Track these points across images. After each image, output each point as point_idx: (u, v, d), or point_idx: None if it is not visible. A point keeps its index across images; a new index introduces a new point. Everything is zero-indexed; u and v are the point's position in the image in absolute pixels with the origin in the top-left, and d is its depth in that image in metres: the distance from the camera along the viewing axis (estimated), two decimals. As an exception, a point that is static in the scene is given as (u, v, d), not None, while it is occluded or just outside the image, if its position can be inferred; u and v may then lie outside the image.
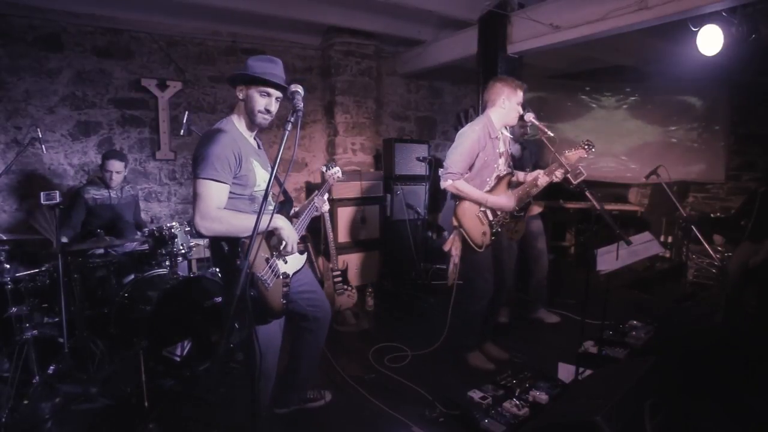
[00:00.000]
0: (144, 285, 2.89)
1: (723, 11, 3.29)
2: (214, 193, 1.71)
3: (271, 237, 1.83)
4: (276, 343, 2.06)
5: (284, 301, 1.86)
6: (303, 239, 4.63)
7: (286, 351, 2.26)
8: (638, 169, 5.68)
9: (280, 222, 1.81)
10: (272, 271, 1.82)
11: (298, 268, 2.03)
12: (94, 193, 3.22)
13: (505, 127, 2.78)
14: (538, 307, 3.68)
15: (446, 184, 2.63)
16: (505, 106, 2.63)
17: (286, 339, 2.20)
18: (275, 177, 2.01)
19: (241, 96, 1.86)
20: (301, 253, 2.01)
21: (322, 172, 2.52)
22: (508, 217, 2.77)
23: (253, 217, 1.76)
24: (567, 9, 3.54)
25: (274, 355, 2.05)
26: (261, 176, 1.90)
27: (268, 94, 1.84)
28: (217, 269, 2.11)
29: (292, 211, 2.15)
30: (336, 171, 2.51)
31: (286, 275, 1.90)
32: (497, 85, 2.65)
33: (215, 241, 1.83)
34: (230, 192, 1.79)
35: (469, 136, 2.59)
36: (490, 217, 2.68)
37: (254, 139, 1.97)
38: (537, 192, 2.83)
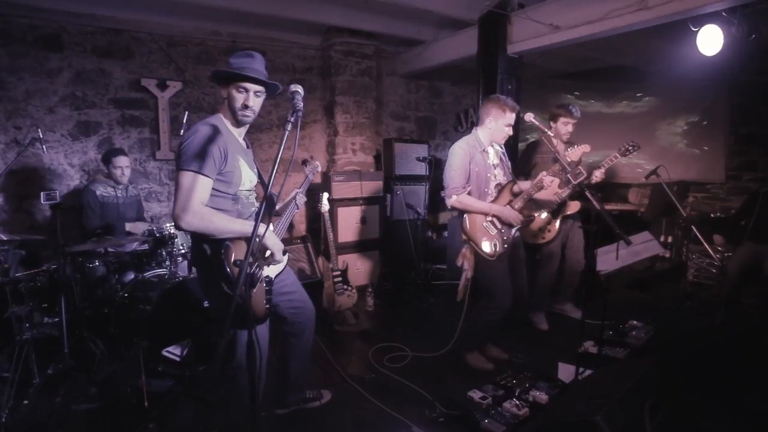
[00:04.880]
0: (144, 285, 2.89)
1: (723, 11, 3.29)
2: (197, 186, 1.67)
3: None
4: (263, 345, 2.03)
5: (267, 306, 1.82)
6: (303, 239, 4.65)
7: (275, 354, 2.26)
8: (638, 169, 5.69)
9: (260, 230, 1.72)
10: (255, 274, 1.77)
11: (280, 269, 1.99)
12: (102, 191, 3.25)
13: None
14: (564, 300, 3.67)
15: (451, 200, 2.66)
16: (491, 126, 2.66)
17: (274, 342, 2.19)
18: (259, 176, 2.01)
19: (224, 95, 1.84)
20: (282, 253, 1.96)
21: (304, 169, 2.53)
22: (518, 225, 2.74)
23: (233, 220, 1.76)
24: (567, 9, 3.54)
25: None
26: (247, 176, 1.87)
27: (246, 90, 1.80)
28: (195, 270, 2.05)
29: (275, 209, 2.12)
30: (316, 166, 2.51)
31: (268, 278, 1.86)
32: (487, 105, 2.68)
33: (197, 243, 1.80)
34: (214, 189, 1.75)
35: (456, 152, 2.67)
36: (498, 226, 2.67)
37: (243, 139, 1.95)
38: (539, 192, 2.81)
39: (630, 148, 3.05)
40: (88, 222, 3.20)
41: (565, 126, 3.30)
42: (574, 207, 3.29)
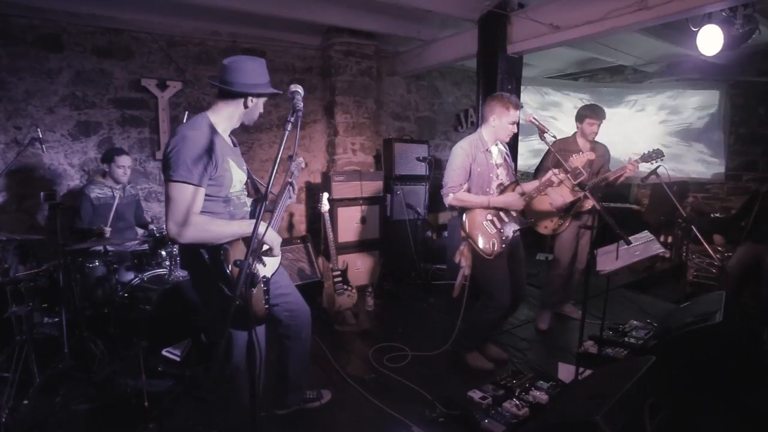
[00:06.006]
0: (144, 285, 2.90)
1: (723, 11, 3.30)
2: (190, 196, 1.62)
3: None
4: (261, 345, 2.01)
5: (267, 306, 1.80)
6: (303, 239, 4.65)
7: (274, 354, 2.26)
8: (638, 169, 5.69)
9: (262, 228, 1.75)
10: (254, 275, 1.75)
11: (275, 269, 1.97)
12: (98, 192, 3.23)
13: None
14: (565, 301, 3.68)
15: (448, 199, 2.66)
16: (495, 124, 2.65)
17: (273, 343, 2.19)
18: (249, 175, 2.00)
19: (250, 104, 1.81)
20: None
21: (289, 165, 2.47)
22: (518, 224, 2.73)
23: (229, 223, 1.74)
24: (567, 9, 3.54)
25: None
26: (237, 177, 1.84)
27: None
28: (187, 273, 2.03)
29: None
30: (300, 162, 2.43)
31: (265, 278, 1.85)
32: (490, 104, 2.66)
33: (192, 249, 1.74)
34: (205, 194, 1.71)
35: (458, 153, 2.66)
36: (498, 225, 2.67)
37: (229, 136, 1.92)
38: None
39: (653, 155, 3.05)
40: (74, 224, 3.18)
41: (590, 126, 3.29)
42: (588, 204, 3.29)
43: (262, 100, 1.87)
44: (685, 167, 5.83)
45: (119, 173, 3.26)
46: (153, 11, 3.93)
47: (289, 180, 2.15)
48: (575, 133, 3.40)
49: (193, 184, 1.63)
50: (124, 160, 3.27)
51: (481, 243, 2.62)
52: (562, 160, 2.68)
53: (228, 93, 1.79)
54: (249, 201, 1.98)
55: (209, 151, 1.68)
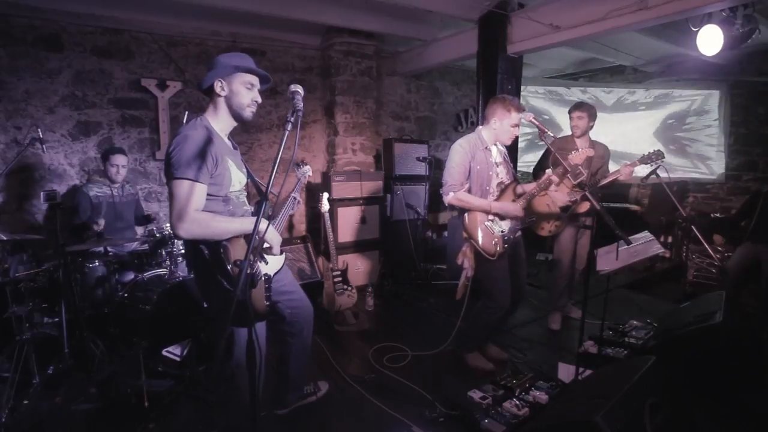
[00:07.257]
0: (144, 285, 2.89)
1: (723, 11, 3.30)
2: (193, 193, 1.65)
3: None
4: (261, 344, 2.03)
5: (267, 303, 1.83)
6: (303, 239, 4.64)
7: (274, 353, 2.27)
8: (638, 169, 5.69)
9: (263, 226, 1.77)
10: (255, 272, 1.77)
11: (278, 268, 1.99)
12: (97, 191, 3.24)
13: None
14: (565, 301, 3.69)
15: (448, 197, 2.65)
16: (496, 126, 2.64)
17: (273, 342, 2.19)
18: (249, 175, 2.01)
19: (223, 93, 1.82)
20: (280, 253, 1.99)
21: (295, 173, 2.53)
22: (519, 224, 2.75)
23: (232, 220, 1.76)
24: (567, 9, 3.54)
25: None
26: (236, 177, 1.86)
27: (252, 85, 1.85)
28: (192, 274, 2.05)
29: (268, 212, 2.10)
30: (306, 170, 2.51)
31: (267, 276, 1.87)
32: (492, 105, 2.66)
33: (193, 246, 1.76)
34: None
35: (457, 150, 2.65)
36: (502, 226, 2.68)
37: (228, 139, 1.93)
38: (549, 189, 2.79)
39: (653, 156, 3.05)
40: (72, 221, 3.19)
41: (579, 120, 3.29)
42: (584, 206, 3.29)
43: (241, 84, 1.84)
44: (686, 167, 5.83)
45: (112, 172, 3.26)
46: (153, 11, 3.93)
47: (294, 195, 2.17)
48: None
49: (194, 180, 1.66)
50: (118, 159, 3.27)
51: (483, 244, 2.62)
52: (561, 159, 2.68)
53: (206, 91, 1.87)
54: (248, 202, 1.99)
55: (209, 149, 1.71)
